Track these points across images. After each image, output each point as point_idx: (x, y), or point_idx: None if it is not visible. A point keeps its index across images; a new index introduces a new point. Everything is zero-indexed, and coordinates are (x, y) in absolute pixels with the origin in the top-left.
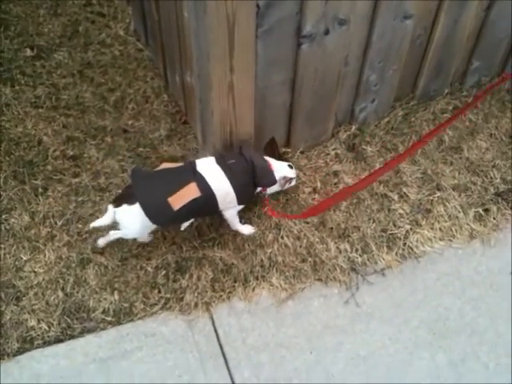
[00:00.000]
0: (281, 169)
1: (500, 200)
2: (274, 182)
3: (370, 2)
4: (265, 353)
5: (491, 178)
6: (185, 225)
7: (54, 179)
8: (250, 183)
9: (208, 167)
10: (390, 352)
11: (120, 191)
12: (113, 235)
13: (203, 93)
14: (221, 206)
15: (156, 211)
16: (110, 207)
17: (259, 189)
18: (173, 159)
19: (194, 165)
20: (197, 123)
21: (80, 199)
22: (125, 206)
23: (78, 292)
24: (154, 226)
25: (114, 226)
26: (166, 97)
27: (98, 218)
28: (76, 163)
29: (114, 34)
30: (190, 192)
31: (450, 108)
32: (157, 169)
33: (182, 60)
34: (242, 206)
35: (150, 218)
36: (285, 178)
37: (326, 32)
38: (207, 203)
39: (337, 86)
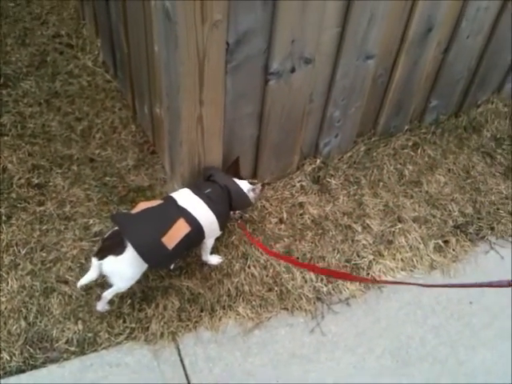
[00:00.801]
0: (244, 184)
1: (459, 232)
2: (249, 204)
3: (335, 42)
4: (231, 383)
5: (450, 211)
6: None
7: (19, 207)
8: (227, 208)
9: (189, 200)
10: (355, 380)
11: (101, 243)
12: (109, 294)
13: (172, 124)
14: (206, 235)
15: (153, 254)
16: (94, 260)
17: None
18: (140, 189)
19: (174, 200)
20: (165, 154)
21: (44, 227)
22: (111, 258)
23: (41, 321)
24: (143, 270)
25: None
26: (133, 127)
27: (62, 246)
28: (41, 191)
29: (82, 64)
30: (181, 228)
31: (410, 144)
32: (136, 210)
33: (151, 92)
34: (220, 233)
35: (147, 262)
36: (253, 189)
37: (292, 70)
38: (197, 236)
39: (302, 121)
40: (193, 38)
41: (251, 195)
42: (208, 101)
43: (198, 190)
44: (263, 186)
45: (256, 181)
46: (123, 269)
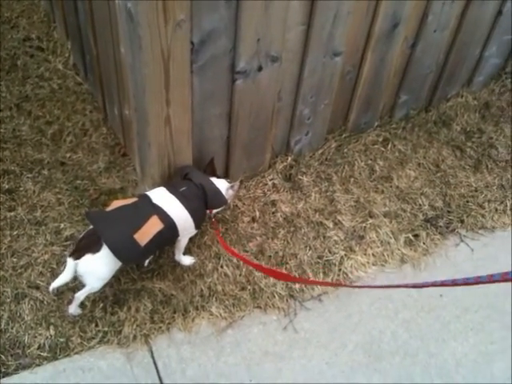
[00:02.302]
0: (222, 183)
1: (429, 226)
2: (225, 202)
3: (301, 40)
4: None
5: (420, 205)
6: (148, 260)
7: None
8: (202, 207)
9: (163, 198)
10: (327, 377)
11: (76, 243)
12: (82, 295)
13: (140, 126)
14: (180, 233)
15: (124, 250)
16: (70, 260)
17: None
18: (111, 192)
19: (149, 198)
20: (135, 155)
21: (15, 233)
22: (88, 256)
23: (12, 328)
24: (117, 268)
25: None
26: (104, 130)
27: (33, 251)
28: (11, 197)
29: (52, 67)
30: (154, 225)
31: (380, 139)
32: (111, 208)
33: (120, 94)
34: (196, 231)
35: (119, 259)
36: (231, 187)
37: (259, 68)
38: (170, 233)
39: (272, 119)
40: (156, 38)
41: (230, 193)
42: (175, 101)
43: (173, 189)
44: (241, 182)
45: (230, 180)
46: (99, 267)
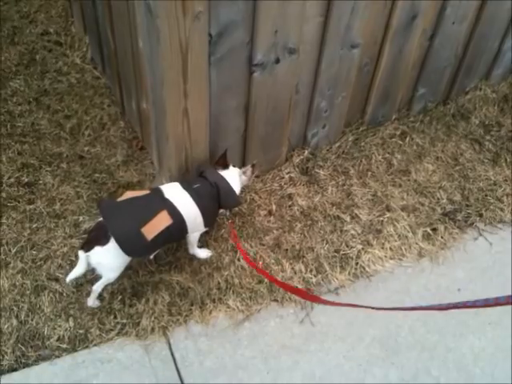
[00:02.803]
0: (234, 171)
1: (447, 220)
2: (238, 202)
3: (318, 32)
4: (222, 376)
5: (438, 198)
6: (154, 253)
7: (9, 206)
8: (215, 206)
9: (175, 193)
10: (344, 370)
11: (87, 235)
12: (98, 287)
13: (158, 118)
14: (189, 230)
15: (130, 243)
16: (81, 253)
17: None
18: (129, 185)
19: (161, 192)
20: (153, 148)
21: (34, 226)
22: (97, 248)
23: (32, 319)
24: (129, 259)
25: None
26: (122, 123)
27: (52, 244)
28: (31, 190)
29: (70, 62)
30: (162, 220)
31: (398, 133)
32: (122, 198)
33: (137, 87)
34: (205, 229)
35: (124, 251)
36: (244, 172)
37: (277, 61)
38: (178, 229)
39: (289, 112)
40: (175, 30)
41: (243, 179)
42: (193, 94)
43: (186, 185)
44: (253, 166)
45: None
46: (110, 258)
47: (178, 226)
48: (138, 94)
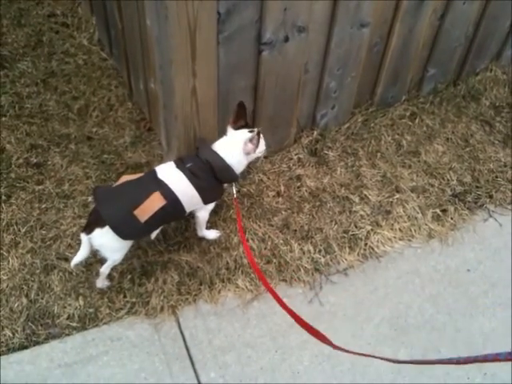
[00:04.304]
0: (240, 136)
1: (457, 201)
2: (235, 177)
3: (328, 10)
4: (231, 353)
5: (448, 180)
6: (154, 234)
7: (18, 186)
8: (212, 182)
9: (169, 173)
10: (353, 348)
11: (87, 218)
12: (105, 269)
13: (167, 98)
14: (187, 209)
15: (123, 226)
16: (83, 236)
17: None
18: (137, 166)
19: (154, 173)
20: (161, 129)
21: (44, 206)
22: (98, 230)
23: (42, 298)
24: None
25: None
26: (130, 104)
27: (61, 224)
28: (40, 171)
29: (77, 43)
30: (155, 202)
31: (408, 114)
32: (117, 183)
33: (145, 67)
34: (212, 206)
35: (118, 234)
36: (250, 140)
37: (286, 39)
38: (174, 209)
39: (298, 92)
40: (183, 8)
41: (249, 147)
42: (201, 73)
43: (181, 164)
44: (258, 133)
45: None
46: (110, 240)
47: (174, 206)
48: (145, 74)
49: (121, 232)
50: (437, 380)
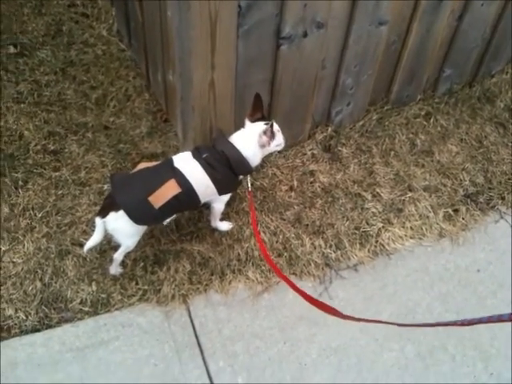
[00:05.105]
0: (256, 129)
1: (469, 201)
2: (250, 170)
3: (347, 7)
4: (240, 343)
5: (461, 180)
6: (167, 221)
7: (35, 172)
8: (228, 173)
9: (185, 162)
10: (360, 343)
11: (102, 202)
12: (119, 255)
13: (185, 90)
14: (202, 199)
15: (137, 211)
16: (98, 219)
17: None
18: (153, 156)
19: (171, 161)
20: (177, 120)
21: (60, 192)
22: (112, 214)
23: (56, 282)
24: (145, 226)
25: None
26: (147, 96)
27: (77, 211)
28: (57, 158)
29: (97, 34)
30: (170, 189)
31: (423, 113)
32: (134, 170)
33: (164, 59)
34: (227, 198)
35: (132, 219)
36: (263, 133)
37: (305, 34)
38: (188, 198)
39: (314, 87)
40: (205, 0)
41: (263, 139)
42: (220, 65)
43: (197, 154)
44: (271, 125)
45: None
46: (123, 224)
47: (188, 195)
48: (164, 66)
49: (135, 217)
50: (443, 377)
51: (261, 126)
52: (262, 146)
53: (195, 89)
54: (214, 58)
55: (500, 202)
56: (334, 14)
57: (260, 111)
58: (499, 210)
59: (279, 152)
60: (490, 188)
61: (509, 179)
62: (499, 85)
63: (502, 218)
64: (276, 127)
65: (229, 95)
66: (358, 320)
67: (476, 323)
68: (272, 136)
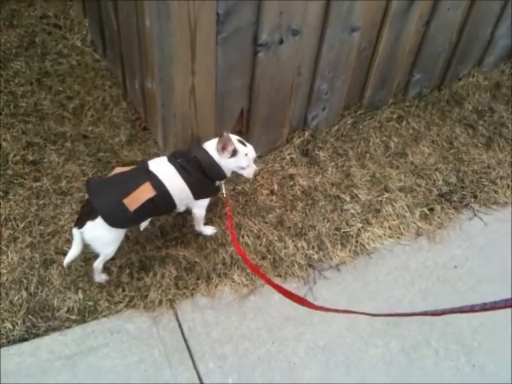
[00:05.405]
0: (211, 145)
1: (443, 200)
2: (223, 175)
3: (321, 14)
4: (228, 345)
5: (434, 180)
6: (143, 225)
7: (15, 183)
8: (202, 178)
9: (160, 166)
10: (346, 341)
11: (78, 213)
12: (98, 264)
13: (165, 97)
14: (178, 203)
15: (112, 214)
16: (75, 230)
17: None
18: (133, 164)
19: (146, 166)
20: (158, 128)
21: (41, 202)
22: (89, 223)
23: (42, 292)
24: (123, 232)
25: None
26: (124, 104)
27: (59, 220)
28: (36, 168)
29: (70, 44)
30: (145, 192)
31: (395, 117)
32: (111, 174)
33: (142, 67)
34: (206, 203)
35: (107, 222)
36: (218, 142)
37: (281, 41)
38: (163, 201)
39: (291, 93)
40: (184, 7)
41: (218, 147)
42: (200, 72)
43: (173, 159)
44: (220, 136)
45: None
46: (101, 232)
47: (164, 198)
48: (142, 74)
49: (110, 220)
50: (427, 371)
51: (232, 138)
52: (221, 154)
53: (176, 95)
54: (194, 64)
55: (473, 200)
56: (308, 21)
57: (240, 124)
58: (472, 207)
59: (259, 157)
60: (462, 187)
61: (480, 178)
62: (466, 88)
63: (475, 215)
64: (244, 151)
65: (209, 101)
66: (328, 310)
67: (448, 313)
68: (223, 148)
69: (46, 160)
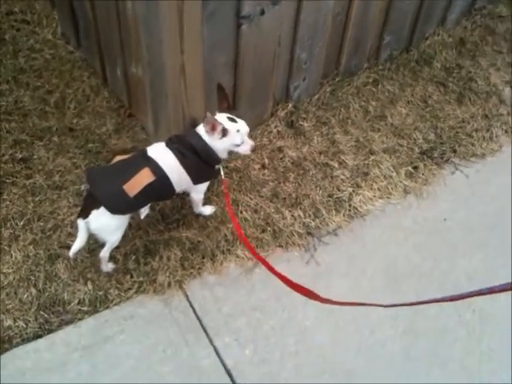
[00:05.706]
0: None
1: (425, 157)
2: (218, 159)
3: None
4: (241, 318)
5: (415, 139)
6: (143, 213)
7: (8, 182)
8: (198, 162)
9: (159, 152)
10: (352, 300)
11: (82, 204)
12: (105, 253)
13: (155, 79)
14: (177, 187)
15: (113, 200)
16: (80, 221)
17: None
18: (124, 151)
19: (145, 152)
20: (147, 112)
21: (37, 199)
22: (94, 213)
23: (50, 287)
24: (127, 218)
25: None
26: (106, 93)
27: (58, 214)
28: (27, 165)
29: (41, 39)
30: (144, 177)
31: (370, 81)
32: (111, 163)
33: (125, 53)
34: (205, 187)
35: (107, 209)
36: (205, 121)
37: (262, 12)
38: (163, 186)
39: (273, 65)
40: None
41: (206, 128)
42: (188, 49)
43: (170, 144)
44: (205, 117)
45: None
46: (106, 220)
47: (163, 183)
48: (124, 60)
49: (110, 206)
50: (430, 319)
51: (221, 116)
52: (210, 136)
53: (167, 75)
54: (182, 43)
55: (453, 154)
56: None
57: (226, 101)
58: (453, 162)
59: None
60: (441, 143)
61: (457, 133)
62: (433, 46)
63: (456, 169)
64: (234, 127)
65: (198, 79)
66: (339, 304)
67: (466, 297)
68: (212, 129)
69: (35, 156)
